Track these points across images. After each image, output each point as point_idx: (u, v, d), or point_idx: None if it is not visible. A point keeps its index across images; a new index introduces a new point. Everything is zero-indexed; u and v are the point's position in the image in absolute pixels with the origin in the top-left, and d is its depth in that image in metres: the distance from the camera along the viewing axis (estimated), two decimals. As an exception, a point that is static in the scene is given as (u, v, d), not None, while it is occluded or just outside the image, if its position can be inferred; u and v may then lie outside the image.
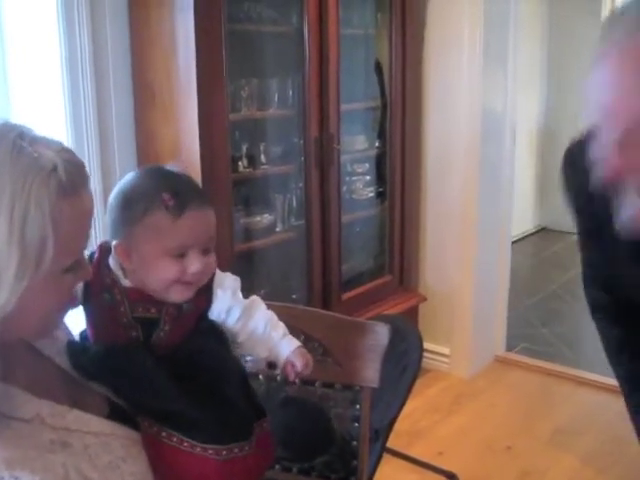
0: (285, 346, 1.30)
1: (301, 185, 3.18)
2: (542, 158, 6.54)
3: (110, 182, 2.65)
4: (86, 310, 1.20)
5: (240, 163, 2.96)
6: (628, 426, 1.60)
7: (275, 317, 1.33)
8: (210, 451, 1.15)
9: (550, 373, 3.74)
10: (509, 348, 4.08)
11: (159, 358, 1.16)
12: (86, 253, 1.20)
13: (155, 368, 1.14)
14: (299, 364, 1.29)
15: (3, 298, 0.91)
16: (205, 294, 1.22)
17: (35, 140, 0.94)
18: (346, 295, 3.37)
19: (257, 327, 1.28)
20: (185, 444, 1.14)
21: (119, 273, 1.18)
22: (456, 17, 3.47)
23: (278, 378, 1.58)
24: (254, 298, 1.31)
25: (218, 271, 1.26)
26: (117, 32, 2.64)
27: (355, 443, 1.61)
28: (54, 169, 0.93)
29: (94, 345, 1.18)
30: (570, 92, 5.72)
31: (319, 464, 1.62)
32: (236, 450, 1.17)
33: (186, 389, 1.15)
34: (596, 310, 1.60)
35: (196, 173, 2.61)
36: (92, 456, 1.01)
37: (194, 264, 1.15)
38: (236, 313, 1.25)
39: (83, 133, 2.56)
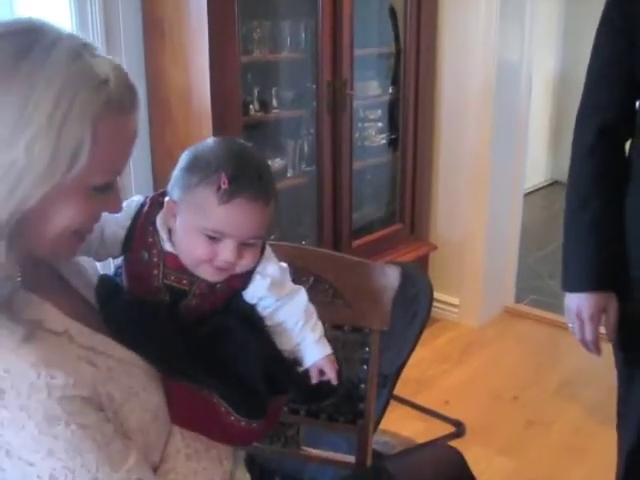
0: (318, 351, 1.26)
1: (312, 131, 3.15)
2: (557, 112, 6.45)
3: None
4: (125, 258, 1.18)
5: (251, 107, 2.93)
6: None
7: (315, 315, 1.29)
8: (222, 408, 1.14)
9: (558, 325, 3.71)
10: (518, 300, 4.08)
11: (183, 325, 1.14)
12: (136, 199, 1.20)
13: (175, 332, 1.12)
14: (332, 374, 1.26)
15: (27, 189, 0.90)
16: (243, 276, 1.18)
17: (96, 54, 0.95)
18: (356, 242, 3.35)
19: (286, 320, 1.23)
20: (204, 392, 1.13)
21: (163, 234, 1.15)
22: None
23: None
24: (296, 290, 1.26)
25: (266, 255, 1.21)
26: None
27: (363, 386, 1.60)
28: (106, 81, 0.93)
29: (125, 291, 1.16)
30: (587, 45, 5.61)
31: (327, 406, 1.62)
32: (243, 423, 1.15)
33: (203, 362, 1.12)
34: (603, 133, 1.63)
35: (207, 116, 2.59)
36: (114, 377, 1.01)
37: (225, 253, 1.10)
38: (267, 303, 1.21)
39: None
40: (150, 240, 1.14)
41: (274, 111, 3.07)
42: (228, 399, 1.14)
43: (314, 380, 1.26)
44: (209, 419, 1.14)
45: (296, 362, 1.26)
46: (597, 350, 1.72)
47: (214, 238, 1.10)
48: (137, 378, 1.06)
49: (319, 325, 1.28)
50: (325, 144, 3.11)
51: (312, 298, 1.56)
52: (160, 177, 2.75)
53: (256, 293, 1.20)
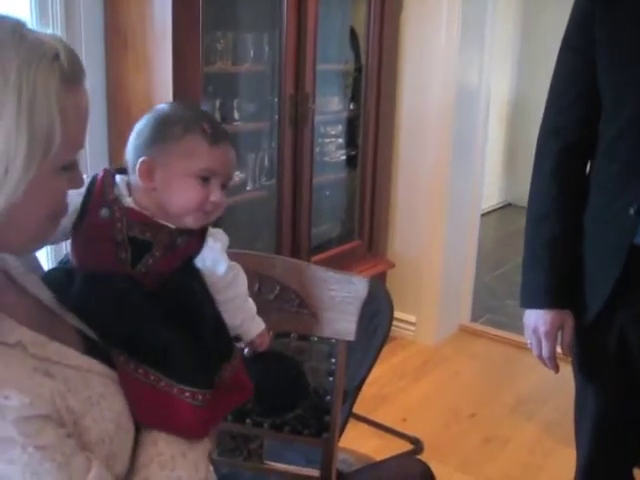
0: (257, 325, 1.38)
1: (274, 144, 3.13)
2: (511, 136, 6.55)
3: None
4: (76, 231, 1.17)
5: (213, 118, 2.89)
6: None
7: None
8: (187, 394, 1.11)
9: (513, 344, 3.75)
10: (474, 318, 4.10)
11: (142, 288, 1.15)
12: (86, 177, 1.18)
13: (138, 297, 1.14)
14: (265, 344, 1.40)
15: (11, 187, 0.88)
16: (199, 237, 1.23)
17: (33, 29, 0.92)
18: (314, 258, 3.33)
19: (239, 295, 1.31)
20: (162, 384, 1.11)
21: (124, 191, 1.19)
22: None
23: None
24: (236, 264, 1.31)
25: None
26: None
27: (329, 398, 1.57)
28: (57, 56, 0.91)
29: (78, 270, 1.16)
30: (540, 71, 5.72)
31: (291, 419, 1.58)
32: (187, 394, 1.13)
33: (166, 325, 1.13)
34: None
35: (168, 125, 2.54)
36: (72, 389, 0.97)
37: (215, 192, 1.20)
38: (222, 267, 1.26)
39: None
40: (111, 197, 1.17)
41: (235, 123, 3.03)
42: (190, 363, 1.14)
43: (262, 349, 1.41)
44: (168, 410, 1.11)
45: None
46: (554, 367, 1.72)
47: (205, 180, 1.19)
48: (95, 387, 1.02)
49: (250, 298, 1.39)
50: (286, 158, 3.08)
51: (279, 307, 1.55)
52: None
53: (209, 256, 1.24)
